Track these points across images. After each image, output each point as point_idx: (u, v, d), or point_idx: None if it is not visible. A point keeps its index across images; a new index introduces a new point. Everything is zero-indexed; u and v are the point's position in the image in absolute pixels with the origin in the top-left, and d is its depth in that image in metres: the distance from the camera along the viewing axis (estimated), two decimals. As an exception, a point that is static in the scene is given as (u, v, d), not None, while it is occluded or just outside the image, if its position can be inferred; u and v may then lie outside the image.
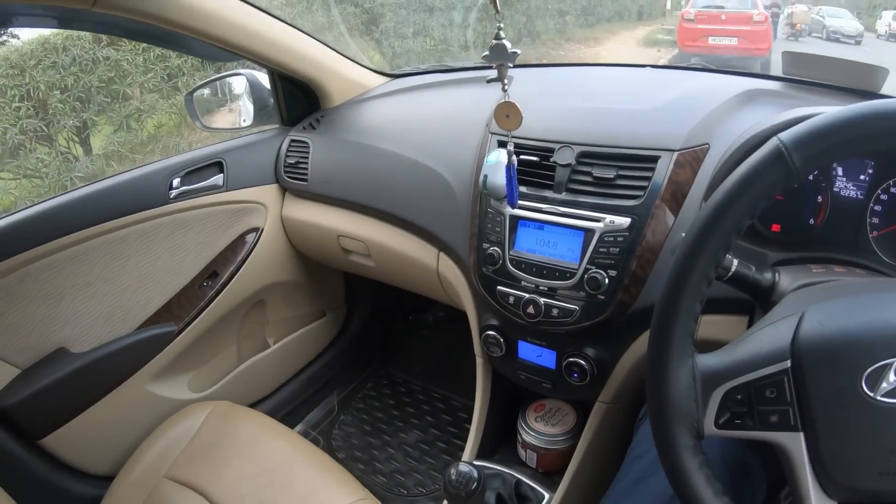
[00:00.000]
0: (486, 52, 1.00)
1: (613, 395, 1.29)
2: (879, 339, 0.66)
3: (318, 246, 1.88)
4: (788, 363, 0.68)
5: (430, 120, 1.62)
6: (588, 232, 1.17)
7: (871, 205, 1.12)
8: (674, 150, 1.17)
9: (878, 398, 0.64)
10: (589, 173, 1.21)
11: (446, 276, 1.47)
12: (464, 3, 9.58)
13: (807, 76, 1.47)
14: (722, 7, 11.49)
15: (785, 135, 0.68)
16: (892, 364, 0.64)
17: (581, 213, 1.19)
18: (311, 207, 1.80)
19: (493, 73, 1.03)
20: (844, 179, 1.14)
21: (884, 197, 1.11)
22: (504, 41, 1.01)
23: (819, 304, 0.73)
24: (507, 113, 1.10)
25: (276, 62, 1.73)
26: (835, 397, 0.66)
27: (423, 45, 9.30)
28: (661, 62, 11.05)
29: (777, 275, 0.92)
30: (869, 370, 0.65)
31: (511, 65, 1.03)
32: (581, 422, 1.41)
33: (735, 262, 0.89)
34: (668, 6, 20.04)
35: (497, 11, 0.97)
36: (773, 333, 0.71)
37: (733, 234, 0.71)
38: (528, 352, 1.32)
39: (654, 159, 1.17)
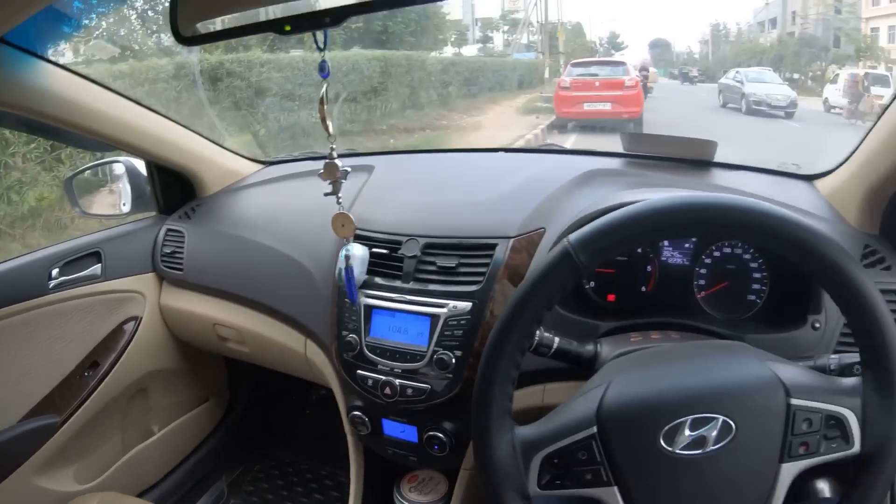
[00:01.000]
0: (321, 171, 1.15)
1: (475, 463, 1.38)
2: (673, 402, 0.77)
3: (196, 333, 1.90)
4: (594, 429, 0.79)
5: (296, 210, 1.70)
6: (434, 317, 1.27)
7: (697, 269, 1.27)
8: (510, 238, 1.30)
9: (678, 452, 0.76)
10: (433, 263, 1.32)
11: (314, 361, 1.54)
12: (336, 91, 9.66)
13: (646, 153, 1.64)
14: (595, 75, 12.19)
15: (573, 236, 0.81)
16: (685, 422, 0.76)
17: (427, 300, 1.29)
18: (187, 296, 1.82)
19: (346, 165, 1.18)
20: (671, 249, 1.28)
21: (708, 261, 1.26)
22: (336, 160, 1.14)
23: (623, 375, 0.85)
24: (342, 223, 1.25)
25: (150, 153, 1.77)
26: (639, 455, 0.77)
27: (293, 132, 9.27)
28: (540, 128, 11.54)
29: (599, 346, 1.03)
30: (666, 429, 0.76)
31: (344, 180, 1.17)
32: (452, 490, 1.49)
33: (557, 339, 1.00)
34: (546, 75, 21.00)
35: (329, 134, 1.09)
36: (582, 403, 0.82)
37: (533, 323, 0.83)
38: (392, 428, 1.39)
39: (492, 247, 1.30)
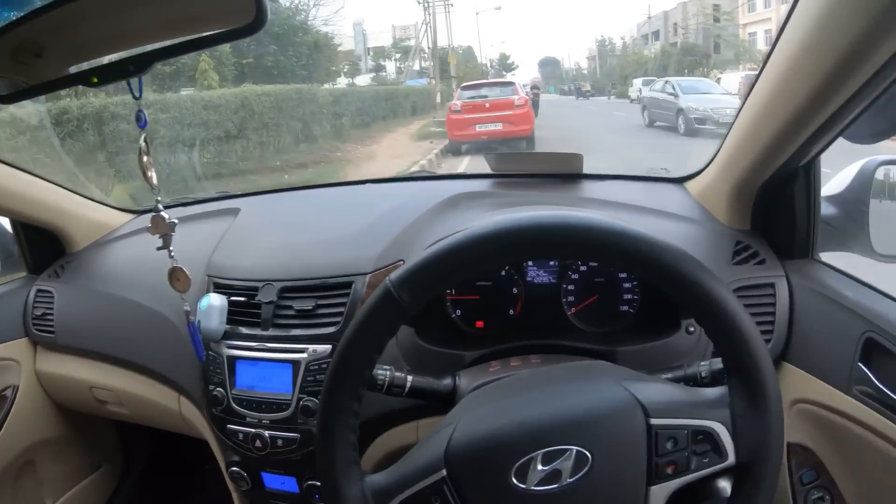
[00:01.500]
0: (149, 225, 1.11)
1: None
2: (523, 437, 0.74)
3: (75, 398, 1.80)
4: (444, 472, 0.75)
5: (164, 261, 1.60)
6: (295, 363, 1.25)
7: (564, 286, 1.28)
8: (366, 273, 1.28)
9: (532, 489, 0.72)
10: (291, 307, 1.30)
11: (189, 418, 1.49)
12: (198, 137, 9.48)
13: (513, 171, 1.68)
14: (486, 96, 12.45)
15: (394, 274, 0.77)
16: (536, 456, 0.72)
17: (287, 346, 1.27)
18: (62, 360, 1.73)
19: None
20: (535, 269, 1.30)
21: (574, 276, 1.28)
22: (162, 213, 1.10)
23: (474, 411, 0.82)
24: (177, 276, 1.20)
25: (12, 211, 1.70)
26: (492, 495, 0.74)
27: (184, 175, 9.04)
28: (434, 153, 11.64)
29: (457, 379, 1.02)
30: (516, 465, 0.72)
31: (173, 233, 1.13)
32: None
33: (410, 378, 0.98)
34: (438, 100, 21.21)
35: (153, 187, 1.06)
36: (431, 445, 0.79)
37: (365, 369, 0.79)
38: (273, 481, 1.36)
39: (349, 285, 1.28)
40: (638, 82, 33.26)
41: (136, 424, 1.86)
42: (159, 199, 1.09)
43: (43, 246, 1.85)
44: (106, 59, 0.91)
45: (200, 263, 1.46)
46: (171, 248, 1.16)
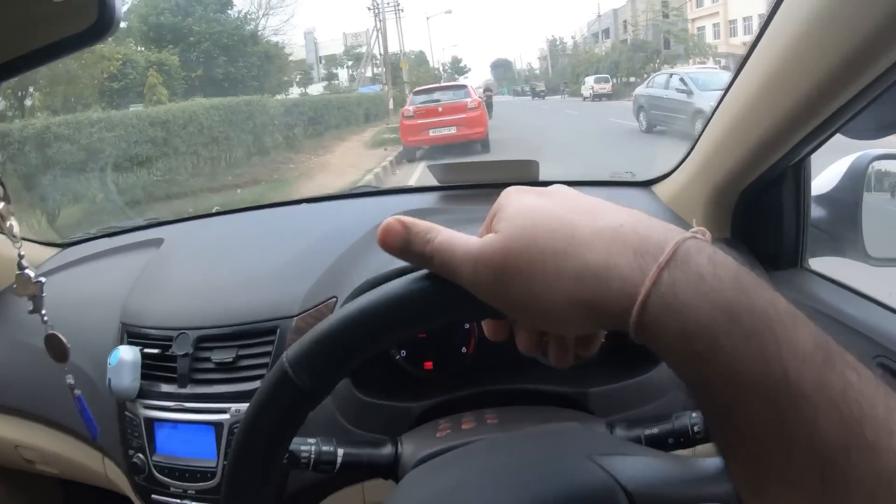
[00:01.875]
0: (14, 285, 0.97)
1: None
2: None
3: (3, 459, 1.63)
4: None
5: (84, 301, 1.47)
6: (217, 425, 1.09)
7: None
8: (292, 316, 1.11)
9: None
10: (209, 359, 1.13)
11: (116, 482, 1.33)
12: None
13: (463, 182, 1.53)
14: (438, 100, 12.47)
15: (289, 351, 0.54)
16: None
17: (208, 405, 1.10)
18: None
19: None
20: None
21: None
22: (27, 271, 0.96)
23: (419, 497, 0.66)
24: (52, 345, 1.06)
25: None
26: None
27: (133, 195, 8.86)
28: (388, 160, 11.64)
29: (399, 445, 0.86)
30: None
31: (42, 294, 0.99)
32: None
33: (341, 451, 0.83)
34: (391, 106, 21.36)
35: (13, 239, 0.91)
36: None
37: (269, 462, 0.59)
38: None
39: (273, 331, 1.10)
40: (590, 80, 33.90)
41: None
42: (22, 253, 0.93)
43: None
44: None
45: (115, 306, 1.31)
46: (44, 312, 1.00)
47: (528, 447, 0.71)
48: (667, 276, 0.35)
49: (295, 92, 24.60)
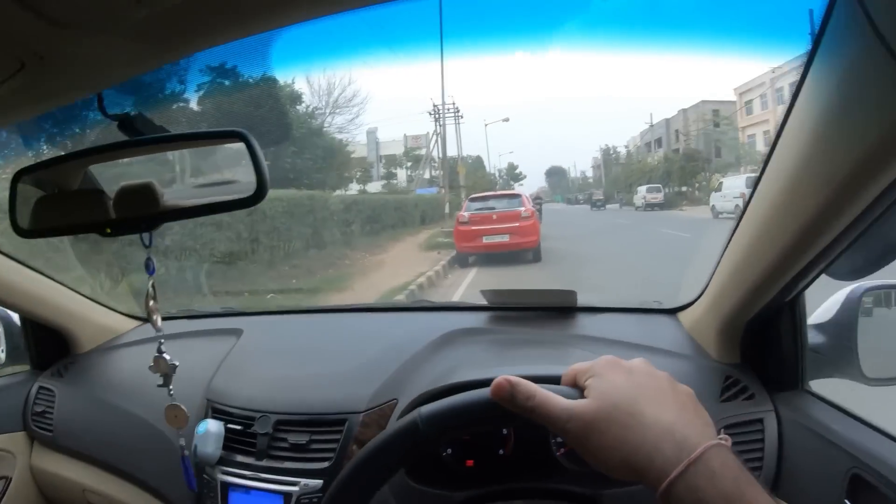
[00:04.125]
0: (151, 364, 1.23)
1: None
2: None
3: (66, 499, 1.78)
4: None
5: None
6: (287, 495, 1.26)
7: None
8: (359, 412, 1.30)
9: None
10: (286, 440, 1.32)
11: None
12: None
13: (510, 304, 1.71)
14: (493, 208, 12.54)
15: (423, 410, 0.76)
16: None
17: (279, 478, 1.28)
18: (58, 459, 1.73)
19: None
20: None
21: None
22: (165, 355, 1.23)
23: None
24: (174, 413, 1.27)
25: (22, 309, 1.74)
26: None
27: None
28: (441, 264, 11.64)
29: None
30: None
31: (173, 373, 1.24)
32: None
33: None
34: (447, 210, 21.41)
35: (157, 329, 1.16)
36: None
37: (374, 482, 0.77)
38: None
39: (342, 422, 1.29)
40: (642, 189, 33.66)
41: None
42: (163, 340, 1.18)
43: (49, 343, 1.89)
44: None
45: (200, 385, 1.50)
46: (171, 388, 1.23)
47: None
48: (692, 469, 0.57)
49: (354, 188, 25.17)
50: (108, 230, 0.94)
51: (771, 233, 0.94)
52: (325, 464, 1.27)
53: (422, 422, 0.74)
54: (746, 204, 1.01)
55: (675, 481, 0.57)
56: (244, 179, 0.88)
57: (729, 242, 1.12)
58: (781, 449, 1.09)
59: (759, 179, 0.94)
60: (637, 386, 0.64)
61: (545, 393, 0.65)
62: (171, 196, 0.94)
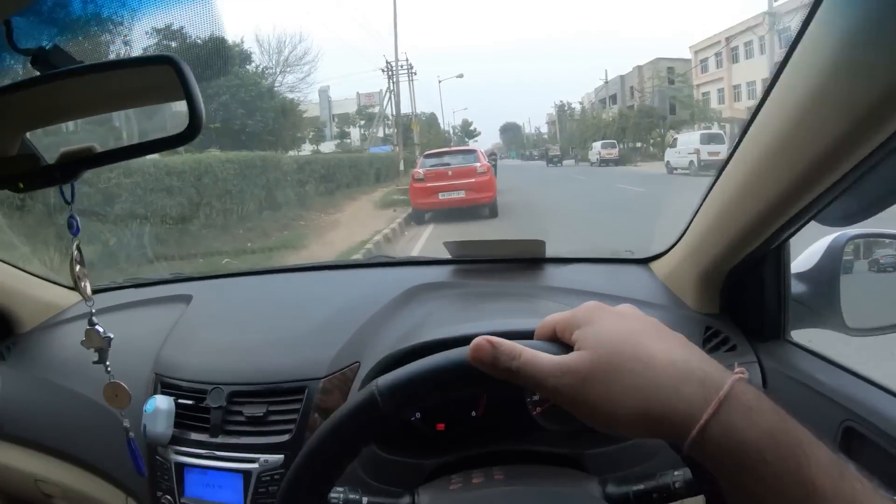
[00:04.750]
0: (83, 338, 1.07)
1: None
2: None
3: (19, 490, 1.67)
4: None
5: (116, 352, 1.34)
6: (246, 473, 1.17)
7: None
8: (319, 378, 1.20)
9: None
10: (241, 413, 1.22)
11: None
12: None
13: (474, 257, 1.62)
14: (448, 164, 12.57)
15: (381, 381, 0.65)
16: None
17: (237, 455, 1.19)
18: (6, 449, 1.60)
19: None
20: None
21: None
22: (97, 327, 1.06)
23: None
24: (115, 393, 1.14)
25: None
26: None
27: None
28: (397, 221, 11.62)
29: (416, 497, 0.93)
30: None
31: (108, 347, 1.07)
32: None
33: (365, 499, 0.90)
34: (402, 167, 21.44)
35: (86, 298, 1.00)
36: None
37: (333, 469, 0.69)
38: None
39: (301, 390, 1.20)
40: (597, 145, 34.08)
41: None
42: (94, 311, 1.03)
43: (-10, 325, 1.76)
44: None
45: (148, 357, 1.40)
46: (108, 364, 1.09)
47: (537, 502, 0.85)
48: (725, 407, 0.47)
49: (307, 149, 24.81)
50: (21, 185, 0.82)
51: (761, 179, 0.90)
52: (286, 437, 1.17)
53: (380, 395, 0.64)
54: (732, 152, 0.96)
55: (707, 424, 0.47)
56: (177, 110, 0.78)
57: (710, 190, 1.07)
58: None
59: (747, 126, 0.89)
60: (635, 328, 0.55)
61: (531, 351, 0.55)
62: None
